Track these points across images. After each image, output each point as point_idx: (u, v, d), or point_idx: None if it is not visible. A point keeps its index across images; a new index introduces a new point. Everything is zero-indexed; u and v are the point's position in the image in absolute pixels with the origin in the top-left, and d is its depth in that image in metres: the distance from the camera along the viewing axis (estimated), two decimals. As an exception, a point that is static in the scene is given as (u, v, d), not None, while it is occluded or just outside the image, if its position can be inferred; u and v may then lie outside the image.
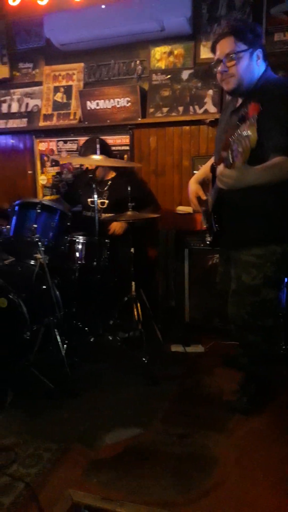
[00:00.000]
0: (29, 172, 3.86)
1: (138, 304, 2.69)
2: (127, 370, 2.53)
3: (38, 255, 2.38)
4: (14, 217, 2.56)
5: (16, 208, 2.56)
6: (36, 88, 3.73)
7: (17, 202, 2.58)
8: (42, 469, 1.76)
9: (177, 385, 2.43)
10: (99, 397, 2.29)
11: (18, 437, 1.96)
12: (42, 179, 3.85)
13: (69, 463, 1.80)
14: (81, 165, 3.60)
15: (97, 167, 2.85)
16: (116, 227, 2.98)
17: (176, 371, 2.59)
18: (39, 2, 3.23)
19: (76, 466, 1.78)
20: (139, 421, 2.08)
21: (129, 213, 2.68)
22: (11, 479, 1.70)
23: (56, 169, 3.79)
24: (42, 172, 3.84)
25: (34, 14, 3.46)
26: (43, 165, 3.82)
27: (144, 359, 2.50)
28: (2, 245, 2.64)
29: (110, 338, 2.74)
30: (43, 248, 2.40)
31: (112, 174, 3.14)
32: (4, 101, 3.80)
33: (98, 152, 2.62)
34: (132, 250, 2.73)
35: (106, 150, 2.90)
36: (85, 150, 2.96)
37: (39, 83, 3.71)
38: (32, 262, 2.56)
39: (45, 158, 3.80)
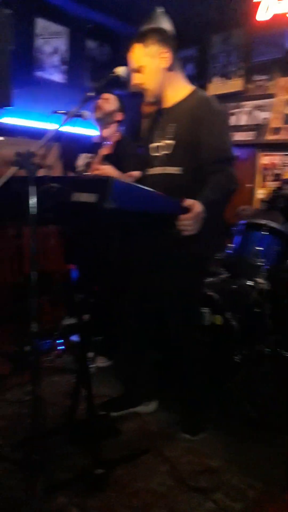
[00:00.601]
0: (248, 185, 3.85)
1: None
2: None
3: (259, 280, 2.33)
4: (238, 236, 2.57)
5: (241, 227, 2.56)
6: (267, 101, 3.66)
7: (242, 221, 2.58)
8: (246, 508, 1.72)
9: None
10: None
11: (223, 461, 1.97)
12: (260, 193, 3.79)
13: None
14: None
15: None
16: None
17: None
18: None
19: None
20: None
21: None
22: (215, 506, 1.71)
23: (276, 184, 3.68)
24: (262, 186, 3.78)
25: (277, 26, 3.41)
26: (263, 179, 3.75)
27: None
28: (221, 261, 2.68)
29: None
30: (264, 273, 2.35)
31: None
32: (234, 114, 3.85)
33: None
34: None
35: None
36: None
37: (272, 96, 3.64)
38: (249, 283, 2.53)
39: (267, 172, 3.72)
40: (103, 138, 2.98)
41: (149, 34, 1.98)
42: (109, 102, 2.99)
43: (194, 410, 2.24)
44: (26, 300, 1.60)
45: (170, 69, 2.02)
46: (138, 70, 2.01)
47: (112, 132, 2.97)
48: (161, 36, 1.98)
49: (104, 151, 2.62)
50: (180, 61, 2.08)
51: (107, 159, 2.65)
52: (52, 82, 3.88)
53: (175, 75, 2.05)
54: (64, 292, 2.95)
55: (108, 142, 2.64)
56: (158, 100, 2.09)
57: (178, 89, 2.05)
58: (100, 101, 2.98)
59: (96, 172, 2.52)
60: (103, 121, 3.01)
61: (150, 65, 1.99)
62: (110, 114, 2.99)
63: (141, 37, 1.99)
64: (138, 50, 1.99)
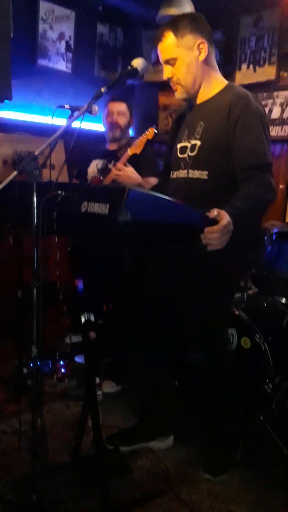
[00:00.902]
0: (281, 186, 3.83)
1: None
2: None
3: (295, 298, 2.32)
4: (269, 247, 2.56)
5: (274, 236, 2.56)
6: (304, 91, 3.67)
7: (274, 230, 2.57)
8: None
9: None
10: None
11: (249, 508, 1.93)
12: (295, 195, 3.78)
13: None
14: None
15: None
16: None
17: None
18: None
19: None
20: None
21: None
22: None
23: (314, 185, 3.67)
24: (297, 188, 3.77)
25: None
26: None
27: None
28: (252, 274, 2.67)
29: None
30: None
31: None
32: (265, 105, 3.85)
33: None
34: None
35: None
36: None
37: (308, 86, 3.65)
38: (282, 301, 2.52)
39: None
40: (118, 146, 3.14)
41: (182, 21, 1.96)
42: (124, 114, 3.13)
43: (218, 446, 2.21)
44: (25, 316, 1.60)
45: (206, 62, 2.01)
46: (170, 63, 2.00)
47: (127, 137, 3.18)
48: (195, 23, 1.96)
49: (133, 150, 2.70)
50: (214, 51, 2.05)
51: (132, 159, 2.75)
52: (57, 72, 3.92)
53: (210, 68, 2.04)
54: (69, 309, 2.97)
55: (136, 141, 2.74)
56: (190, 97, 2.08)
57: (211, 84, 2.05)
58: (115, 117, 3.11)
59: (118, 173, 2.61)
60: (121, 136, 3.16)
61: (185, 58, 1.97)
62: (127, 126, 3.17)
63: (173, 25, 1.96)
64: (169, 39, 1.96)
